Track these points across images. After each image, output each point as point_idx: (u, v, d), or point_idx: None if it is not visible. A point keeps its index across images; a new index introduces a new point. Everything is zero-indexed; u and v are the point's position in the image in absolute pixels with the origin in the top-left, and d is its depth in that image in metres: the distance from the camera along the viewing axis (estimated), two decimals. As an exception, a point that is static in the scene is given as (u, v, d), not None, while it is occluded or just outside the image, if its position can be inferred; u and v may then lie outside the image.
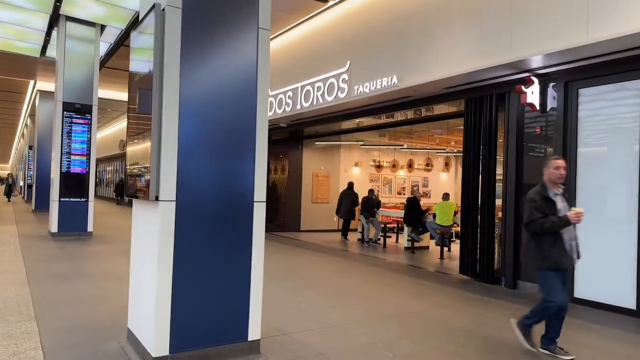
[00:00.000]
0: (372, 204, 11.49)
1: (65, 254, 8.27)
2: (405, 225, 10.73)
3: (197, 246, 3.42)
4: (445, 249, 9.97)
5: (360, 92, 8.51)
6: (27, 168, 25.45)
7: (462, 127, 7.61)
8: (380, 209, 12.13)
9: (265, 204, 3.75)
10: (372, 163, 15.95)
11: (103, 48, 12.29)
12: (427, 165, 17.11)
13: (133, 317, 3.79)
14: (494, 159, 7.07)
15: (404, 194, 16.90)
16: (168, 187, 3.29)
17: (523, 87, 6.32)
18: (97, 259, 8.01)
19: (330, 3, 9.36)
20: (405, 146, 15.51)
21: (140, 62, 3.72)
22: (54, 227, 10.43)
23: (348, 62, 8.91)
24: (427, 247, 10.89)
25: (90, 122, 10.95)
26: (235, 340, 3.57)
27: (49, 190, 12.96)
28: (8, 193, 25.04)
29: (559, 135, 6.23)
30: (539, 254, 3.89)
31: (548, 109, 6.43)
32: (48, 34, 11.74)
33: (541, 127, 6.56)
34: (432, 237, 10.85)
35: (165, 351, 3.26)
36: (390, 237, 11.95)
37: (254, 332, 3.65)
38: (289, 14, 10.01)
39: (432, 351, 4.03)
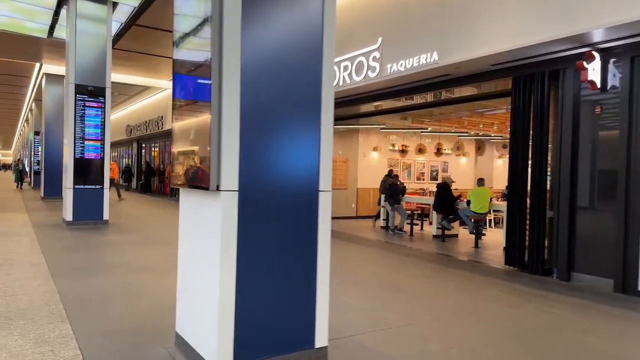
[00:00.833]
0: (397, 190, 11.02)
1: (84, 244, 7.86)
2: (435, 212, 10.26)
3: (261, 245, 2.95)
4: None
5: (395, 70, 7.97)
6: (33, 154, 24.91)
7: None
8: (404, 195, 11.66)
9: (331, 193, 3.27)
10: (391, 147, 15.45)
11: (114, 28, 11.68)
12: (458, 148, 16.63)
13: (184, 321, 3.35)
14: (545, 140, 6.56)
15: (423, 180, 16.45)
16: (230, 174, 2.80)
17: (585, 63, 5.80)
18: (117, 248, 7.59)
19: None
20: (429, 129, 14.92)
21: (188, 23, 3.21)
22: (68, 216, 9.99)
23: (379, 39, 8.34)
24: (456, 235, 10.44)
25: (104, 105, 10.41)
26: (302, 348, 3.13)
27: (59, 177, 12.54)
28: (20, 179, 24.63)
29: (624, 115, 5.72)
30: None
31: (609, 87, 5.92)
32: (57, 12, 11.16)
33: (601, 106, 6.04)
34: (462, 225, 10.41)
35: (228, 362, 2.83)
36: (417, 224, 11.49)
37: (321, 338, 3.22)
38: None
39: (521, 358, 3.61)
